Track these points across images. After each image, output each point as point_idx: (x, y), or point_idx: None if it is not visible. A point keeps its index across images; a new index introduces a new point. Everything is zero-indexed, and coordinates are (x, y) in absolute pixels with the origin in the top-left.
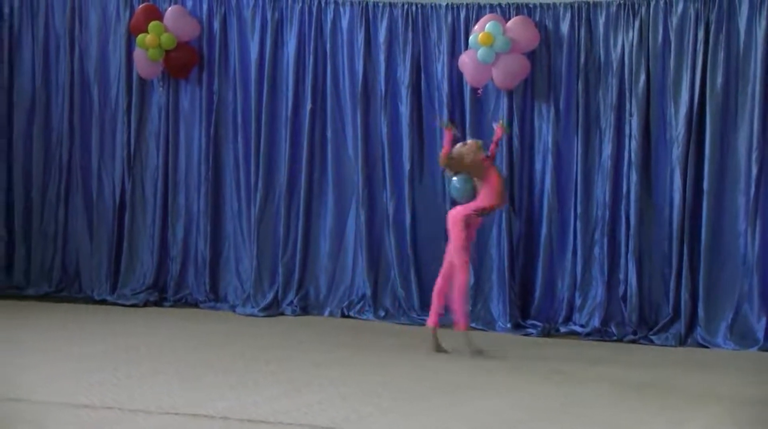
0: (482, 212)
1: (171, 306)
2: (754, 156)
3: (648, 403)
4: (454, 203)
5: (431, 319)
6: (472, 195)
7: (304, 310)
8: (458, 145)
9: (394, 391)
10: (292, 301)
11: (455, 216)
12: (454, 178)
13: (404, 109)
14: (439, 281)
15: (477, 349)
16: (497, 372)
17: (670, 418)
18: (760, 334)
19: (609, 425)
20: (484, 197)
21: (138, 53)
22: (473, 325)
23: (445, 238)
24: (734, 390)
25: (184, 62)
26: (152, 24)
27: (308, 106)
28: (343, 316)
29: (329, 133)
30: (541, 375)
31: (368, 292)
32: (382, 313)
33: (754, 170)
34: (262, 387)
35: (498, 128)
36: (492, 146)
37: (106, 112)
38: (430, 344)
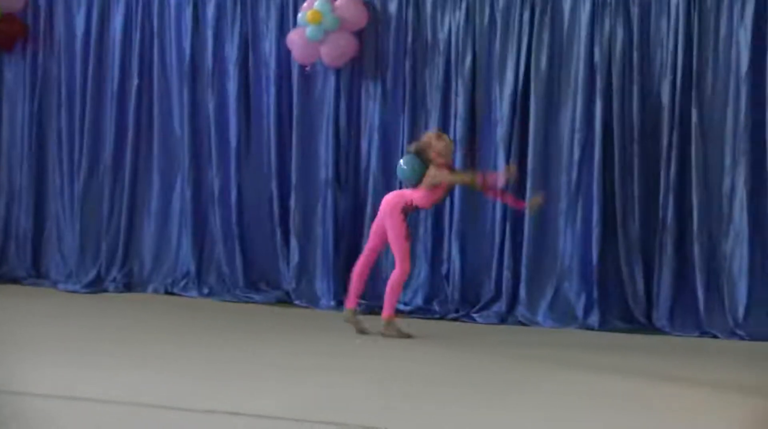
0: (414, 209)
1: None
2: (576, 137)
3: (473, 382)
4: None
5: (350, 301)
6: (418, 180)
7: (128, 287)
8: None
9: (220, 370)
10: (115, 278)
11: (393, 204)
12: (402, 160)
13: (232, 87)
14: (360, 264)
15: (404, 333)
16: (317, 351)
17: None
18: (579, 312)
19: (434, 400)
20: (423, 198)
21: None
22: (297, 302)
23: (271, 215)
24: (553, 366)
25: (8, 34)
26: None
27: (135, 81)
28: (167, 292)
29: (156, 110)
30: (363, 354)
31: (192, 269)
32: (206, 291)
33: (577, 151)
34: (83, 366)
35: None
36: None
37: None
38: (352, 326)
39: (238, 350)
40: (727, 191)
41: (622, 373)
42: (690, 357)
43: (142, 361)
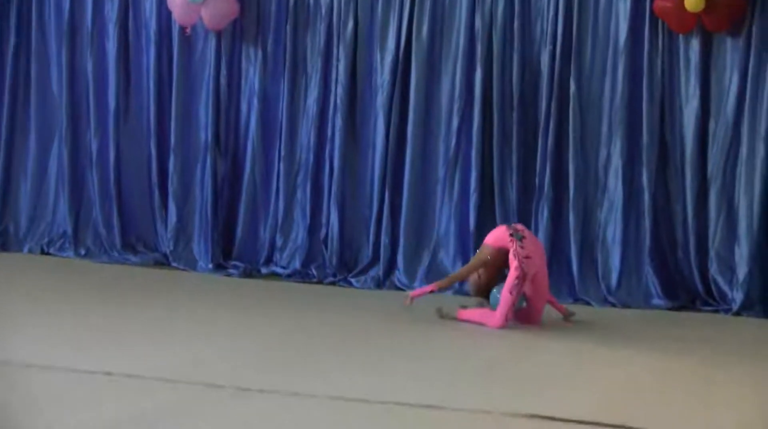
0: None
1: None
2: (456, 106)
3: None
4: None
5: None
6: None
7: (3, 247)
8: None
9: (91, 331)
10: None
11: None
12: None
13: (111, 47)
14: None
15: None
16: (191, 314)
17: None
18: None
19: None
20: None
21: None
22: (175, 264)
23: (149, 177)
24: (424, 331)
25: None
26: None
27: (12, 40)
28: (43, 253)
29: (33, 69)
30: (238, 318)
31: (69, 230)
32: (83, 252)
33: (456, 120)
34: None
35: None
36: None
37: None
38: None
39: (111, 312)
40: (603, 161)
41: (492, 340)
42: (557, 326)
43: (10, 321)
